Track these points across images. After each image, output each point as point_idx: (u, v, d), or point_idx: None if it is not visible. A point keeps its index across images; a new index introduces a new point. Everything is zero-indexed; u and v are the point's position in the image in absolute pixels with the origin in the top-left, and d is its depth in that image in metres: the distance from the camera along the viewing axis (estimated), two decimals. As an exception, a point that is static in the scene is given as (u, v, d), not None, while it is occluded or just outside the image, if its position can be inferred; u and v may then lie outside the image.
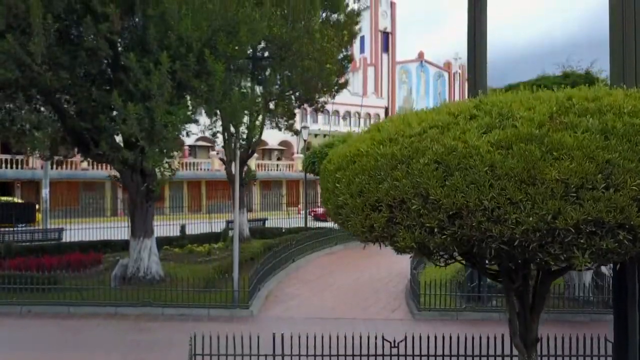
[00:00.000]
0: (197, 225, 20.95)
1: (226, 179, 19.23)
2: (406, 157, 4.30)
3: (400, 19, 70.77)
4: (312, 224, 24.19)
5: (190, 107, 9.68)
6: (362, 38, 58.43)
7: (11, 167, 33.60)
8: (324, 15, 13.79)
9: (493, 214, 3.80)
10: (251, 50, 11.27)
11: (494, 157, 3.86)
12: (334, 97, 16.39)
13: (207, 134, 14.33)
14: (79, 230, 18.49)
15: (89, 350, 8.56)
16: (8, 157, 33.03)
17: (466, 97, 11.80)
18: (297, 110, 19.22)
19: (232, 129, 11.10)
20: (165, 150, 9.42)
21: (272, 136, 37.10)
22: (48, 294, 11.30)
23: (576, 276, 11.27)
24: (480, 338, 6.72)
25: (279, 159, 46.37)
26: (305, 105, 17.83)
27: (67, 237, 18.46)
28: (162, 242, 17.57)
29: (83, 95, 9.34)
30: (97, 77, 9.39)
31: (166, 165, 10.93)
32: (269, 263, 14.02)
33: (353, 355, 6.64)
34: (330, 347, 6.66)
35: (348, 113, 50.06)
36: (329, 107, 31.01)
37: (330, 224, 23.46)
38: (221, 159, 14.84)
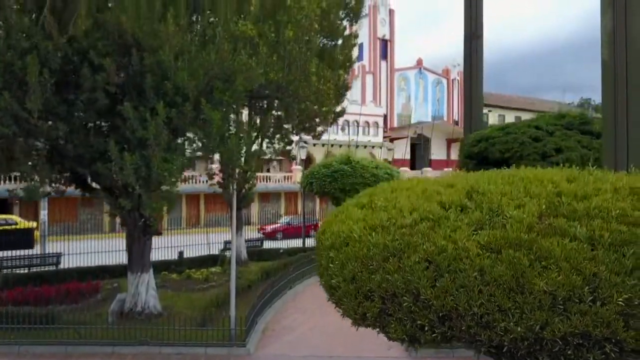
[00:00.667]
0: (195, 248, 20.94)
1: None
2: (398, 250, 4.35)
3: (400, 19, 70.73)
4: (309, 243, 24.17)
5: (187, 153, 9.72)
6: (361, 46, 58.47)
7: (10, 182, 33.58)
8: (321, 42, 13.83)
9: (482, 319, 3.85)
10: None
11: (483, 261, 3.91)
12: (331, 125, 16.43)
13: (203, 177, 14.33)
14: (77, 256, 18.50)
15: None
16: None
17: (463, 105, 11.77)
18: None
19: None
20: (162, 199, 9.46)
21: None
22: (46, 332, 11.32)
23: None
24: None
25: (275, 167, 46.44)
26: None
27: (65, 262, 18.46)
28: (161, 267, 17.61)
29: (80, 141, 9.38)
30: (94, 124, 9.41)
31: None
32: (266, 294, 14.04)
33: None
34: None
35: (347, 122, 50.06)
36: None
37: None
38: (218, 182, 14.85)
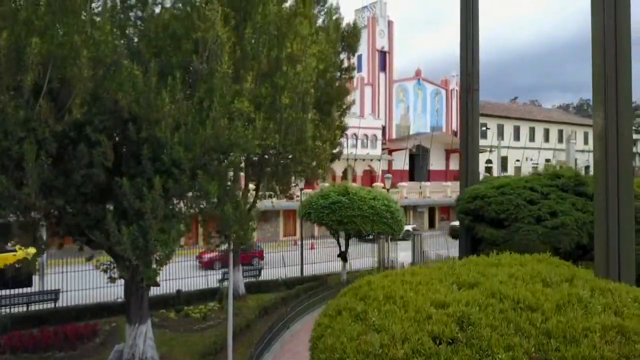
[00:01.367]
0: (194, 280, 20.97)
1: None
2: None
3: (400, 20, 70.59)
4: (307, 270, 24.25)
5: (183, 224, 9.79)
6: (360, 57, 58.48)
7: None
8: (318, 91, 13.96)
9: None
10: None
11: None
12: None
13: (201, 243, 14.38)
14: (76, 293, 18.58)
15: None
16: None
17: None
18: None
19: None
20: (158, 265, 9.52)
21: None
22: (44, 388, 11.39)
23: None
24: None
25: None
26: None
27: (63, 299, 18.51)
28: (159, 304, 17.67)
29: (77, 209, 9.45)
30: (91, 194, 9.46)
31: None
32: (265, 339, 14.11)
33: None
34: None
35: (345, 135, 50.07)
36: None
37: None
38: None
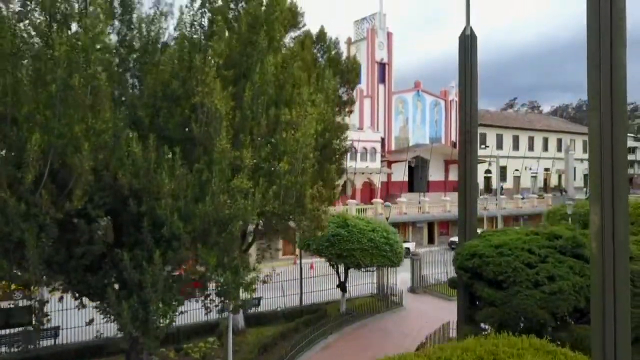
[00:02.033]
0: (193, 313, 20.94)
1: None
2: None
3: (401, 20, 70.75)
4: (307, 300, 24.24)
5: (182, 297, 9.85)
6: (359, 69, 58.50)
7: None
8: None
9: None
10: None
11: None
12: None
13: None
14: (76, 330, 18.56)
15: None
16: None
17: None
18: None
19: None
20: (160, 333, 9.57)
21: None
22: None
23: None
24: None
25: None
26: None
27: (63, 336, 18.51)
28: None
29: (78, 280, 9.51)
30: (92, 264, 9.51)
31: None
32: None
33: None
34: None
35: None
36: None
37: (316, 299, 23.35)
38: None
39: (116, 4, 10.57)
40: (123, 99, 10.36)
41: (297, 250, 36.00)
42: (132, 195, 8.98)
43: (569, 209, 28.49)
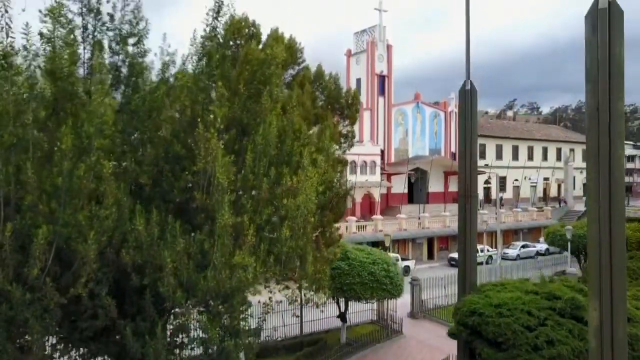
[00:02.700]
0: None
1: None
2: None
3: (401, 20, 70.85)
4: (307, 328, 24.27)
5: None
6: (359, 81, 58.79)
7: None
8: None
9: None
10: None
11: None
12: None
13: None
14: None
15: None
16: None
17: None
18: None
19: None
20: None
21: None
22: None
23: None
24: None
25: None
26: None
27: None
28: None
29: (79, 354, 9.58)
30: (95, 334, 9.57)
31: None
32: None
33: None
34: None
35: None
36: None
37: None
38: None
39: (123, 69, 10.64)
40: (124, 163, 10.41)
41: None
42: (135, 270, 9.04)
43: (568, 234, 28.59)
